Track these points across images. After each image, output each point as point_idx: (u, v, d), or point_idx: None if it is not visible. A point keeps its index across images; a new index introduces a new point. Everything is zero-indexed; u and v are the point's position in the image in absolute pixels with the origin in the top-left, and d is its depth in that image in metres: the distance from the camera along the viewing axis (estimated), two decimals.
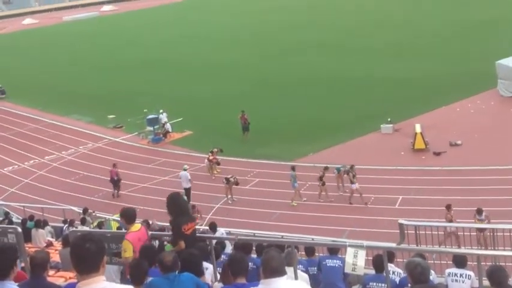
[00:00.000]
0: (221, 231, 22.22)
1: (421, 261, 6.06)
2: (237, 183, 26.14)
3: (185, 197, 9.19)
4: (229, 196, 26.21)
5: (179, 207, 8.61)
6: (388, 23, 64.22)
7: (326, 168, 25.15)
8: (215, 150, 29.86)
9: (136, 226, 8.29)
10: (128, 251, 7.94)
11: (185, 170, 27.38)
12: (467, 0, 74.25)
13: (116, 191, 28.89)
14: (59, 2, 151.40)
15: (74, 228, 17.64)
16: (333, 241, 16.02)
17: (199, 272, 7.22)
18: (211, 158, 29.44)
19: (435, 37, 53.86)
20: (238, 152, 31.76)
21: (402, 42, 53.41)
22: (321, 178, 24.76)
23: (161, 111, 37.05)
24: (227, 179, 26.19)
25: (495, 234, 15.32)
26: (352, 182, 24.33)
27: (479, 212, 18.52)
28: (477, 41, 50.31)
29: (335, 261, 10.91)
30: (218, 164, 29.71)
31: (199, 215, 23.70)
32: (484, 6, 67.95)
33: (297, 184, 25.23)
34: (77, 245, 4.53)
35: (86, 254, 4.46)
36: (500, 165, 25.74)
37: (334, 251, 11.33)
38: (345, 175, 25.05)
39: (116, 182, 28.95)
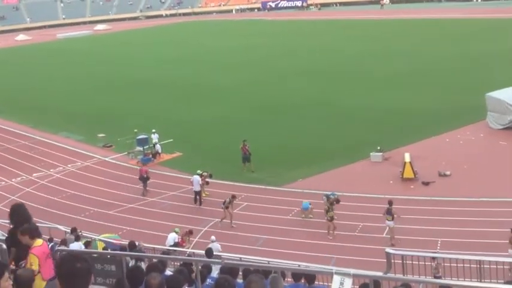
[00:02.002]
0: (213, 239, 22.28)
1: None
2: (232, 198, 25.96)
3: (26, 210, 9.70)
4: (221, 220, 25.89)
5: (19, 217, 9.12)
6: (382, 54, 64.68)
7: (328, 199, 24.83)
8: (205, 173, 29.85)
9: (39, 241, 8.56)
10: (35, 265, 8.17)
11: (198, 174, 28.71)
12: (458, 35, 75.12)
13: (144, 189, 30.46)
14: (53, 19, 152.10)
15: (63, 247, 17.46)
16: (306, 266, 15.94)
17: None
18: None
19: (426, 68, 54.32)
20: (227, 175, 31.71)
21: (394, 73, 53.78)
22: (327, 211, 23.91)
23: (153, 131, 37.05)
24: (224, 203, 25.91)
25: (482, 266, 15.30)
26: (388, 219, 22.87)
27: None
28: (467, 73, 50.74)
29: None
30: (207, 183, 29.66)
31: (188, 238, 23.62)
32: (475, 40, 68.74)
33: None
34: (67, 263, 4.44)
35: (77, 273, 4.39)
36: (488, 197, 25.83)
37: (311, 279, 11.19)
38: (335, 203, 24.87)
39: (144, 180, 30.42)
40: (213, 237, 22.73)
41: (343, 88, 49.64)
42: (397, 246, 19.07)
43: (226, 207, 25.88)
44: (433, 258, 17.53)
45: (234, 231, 25.21)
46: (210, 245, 22.12)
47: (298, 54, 69.47)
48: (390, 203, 23.11)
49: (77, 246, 19.83)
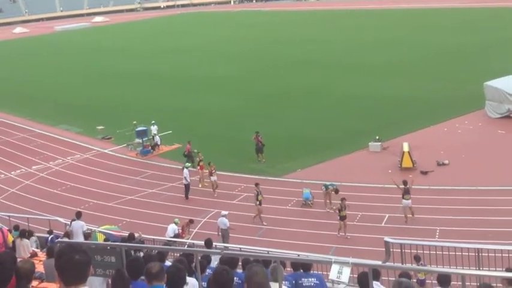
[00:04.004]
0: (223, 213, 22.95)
1: (404, 280, 6.10)
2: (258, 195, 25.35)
3: None
4: (260, 216, 25.22)
5: None
6: (380, 43, 64.68)
7: (327, 188, 25.07)
8: (199, 159, 29.96)
9: None
10: None
11: (186, 167, 28.94)
12: (457, 23, 75.04)
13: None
14: (50, 11, 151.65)
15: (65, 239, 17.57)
16: (306, 256, 15.99)
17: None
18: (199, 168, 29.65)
19: (425, 57, 54.30)
20: (226, 166, 31.70)
21: (392, 62, 53.79)
22: (339, 210, 23.09)
23: (152, 122, 37.06)
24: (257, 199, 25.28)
25: (480, 254, 15.38)
26: (406, 199, 23.22)
27: (417, 259, 16.85)
28: (466, 62, 50.73)
29: (310, 279, 10.79)
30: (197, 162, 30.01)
31: (188, 229, 23.66)
32: (474, 29, 68.68)
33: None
34: (65, 255, 4.46)
35: (75, 264, 4.40)
36: (486, 186, 25.92)
37: (307, 267, 11.23)
38: (333, 192, 25.02)
39: (187, 157, 31.98)
40: (223, 212, 23.12)
41: (341, 78, 49.61)
42: (393, 235, 19.10)
43: (260, 202, 25.17)
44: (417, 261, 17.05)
45: (236, 221, 25.17)
46: (219, 219, 22.88)
47: (294, 44, 69.31)
48: (405, 182, 23.52)
49: (80, 225, 20.03)
